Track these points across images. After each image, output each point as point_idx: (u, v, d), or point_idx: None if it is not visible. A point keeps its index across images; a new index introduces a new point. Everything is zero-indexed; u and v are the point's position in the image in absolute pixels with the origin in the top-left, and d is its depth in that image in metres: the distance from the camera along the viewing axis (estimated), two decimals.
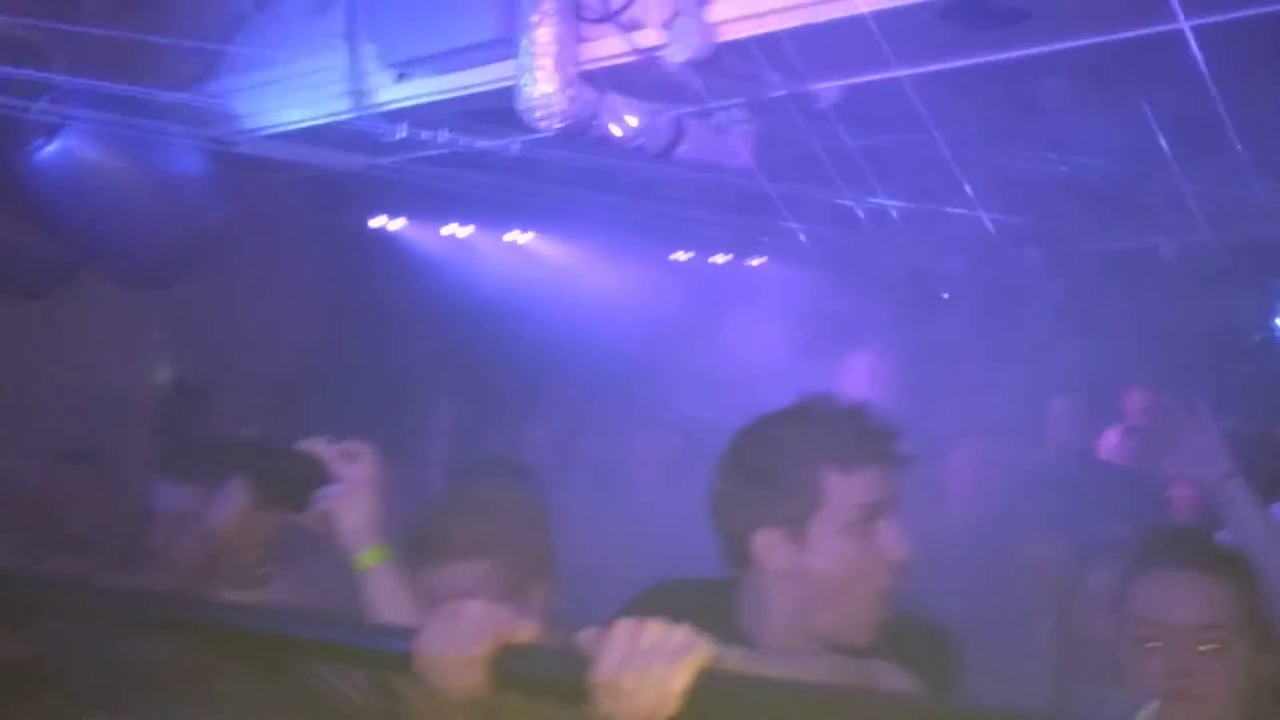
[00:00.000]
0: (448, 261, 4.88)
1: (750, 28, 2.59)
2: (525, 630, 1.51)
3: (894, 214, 4.00)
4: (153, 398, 4.13)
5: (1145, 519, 2.59)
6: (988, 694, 1.68)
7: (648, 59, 2.65)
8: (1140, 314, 4.33)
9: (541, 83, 2.60)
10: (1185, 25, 2.36)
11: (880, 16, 2.41)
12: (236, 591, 2.22)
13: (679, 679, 1.22)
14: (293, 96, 3.10)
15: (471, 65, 2.82)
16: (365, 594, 2.05)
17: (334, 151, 3.43)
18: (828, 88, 2.87)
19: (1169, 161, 3.33)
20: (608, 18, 2.68)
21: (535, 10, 2.59)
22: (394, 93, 2.98)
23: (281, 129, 3.20)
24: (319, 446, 2.07)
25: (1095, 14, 2.46)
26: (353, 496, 2.04)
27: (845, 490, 1.58)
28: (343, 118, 3.05)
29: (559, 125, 2.64)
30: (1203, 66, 2.55)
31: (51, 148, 2.93)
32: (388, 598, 2.01)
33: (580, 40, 2.69)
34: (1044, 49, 2.55)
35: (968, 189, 3.69)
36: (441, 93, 2.94)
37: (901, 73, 2.69)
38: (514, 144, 3.26)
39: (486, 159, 3.53)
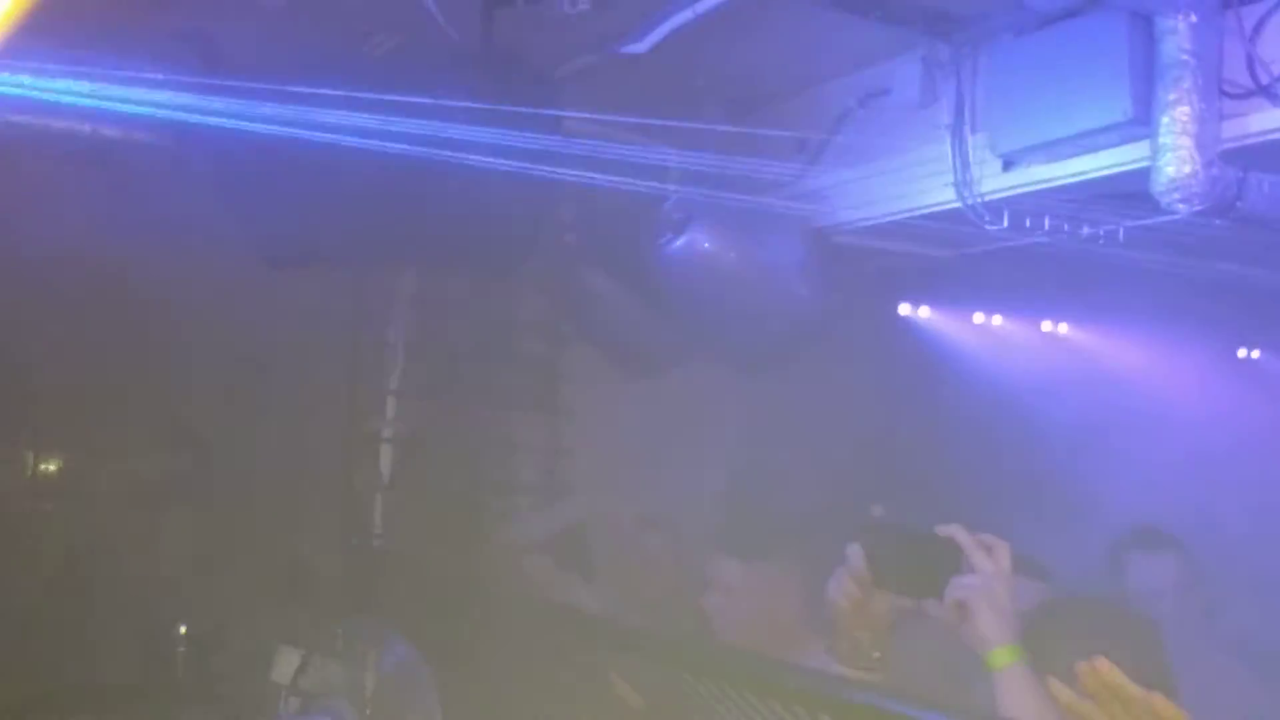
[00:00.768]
0: (980, 350, 4.75)
1: None
2: None
3: None
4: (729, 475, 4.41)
5: None
6: None
7: None
8: None
9: (1181, 163, 2.44)
10: None
11: None
12: (848, 669, 2.23)
13: None
14: (894, 189, 3.18)
15: (1092, 150, 2.72)
16: (996, 693, 1.97)
17: (921, 244, 3.48)
18: None
19: None
20: (1256, 92, 2.47)
21: (1174, 88, 2.45)
22: (1000, 182, 2.95)
23: (878, 222, 3.30)
24: (958, 534, 2.04)
25: None
26: (990, 590, 1.98)
27: None
28: (943, 209, 3.07)
29: (1198, 207, 2.46)
30: None
31: (678, 242, 3.26)
32: (1020, 700, 1.92)
33: (1221, 117, 2.50)
34: None
35: None
36: (1051, 180, 2.87)
37: None
38: (1120, 231, 3.10)
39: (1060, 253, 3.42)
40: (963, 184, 2.97)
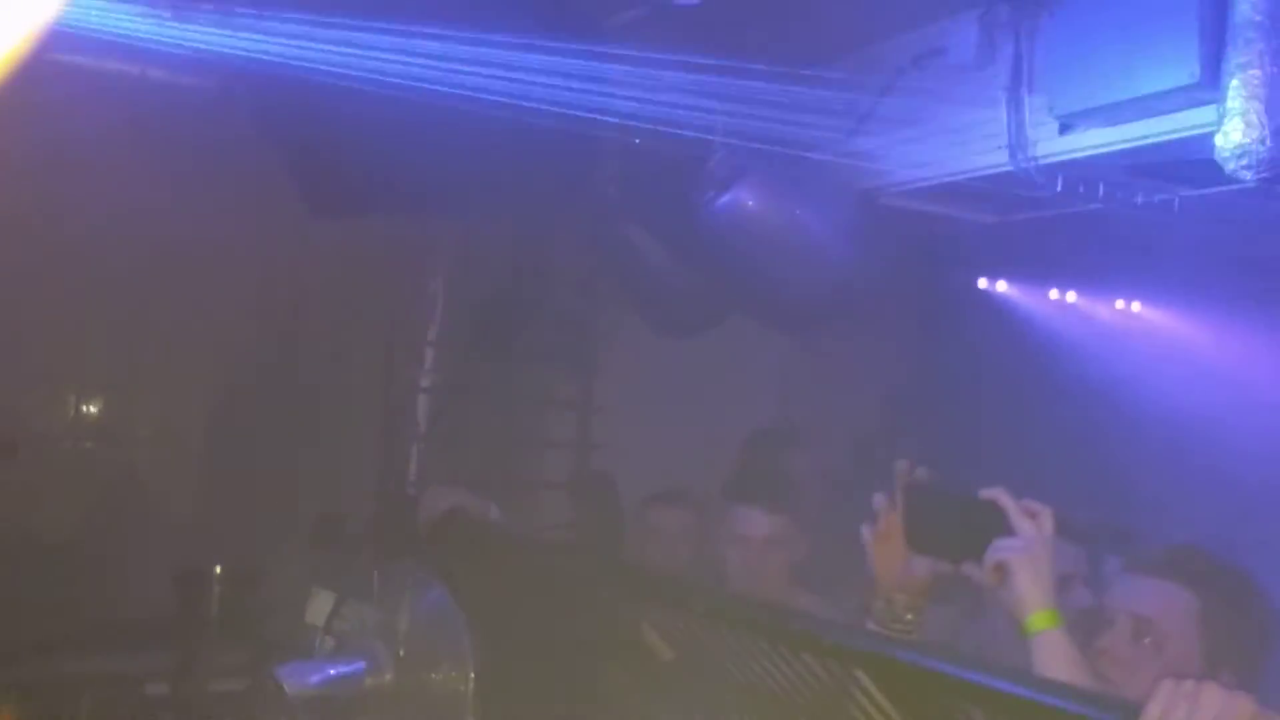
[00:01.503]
0: (1048, 325, 4.69)
1: None
2: None
3: None
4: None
5: None
6: None
7: None
8: None
9: (1249, 129, 2.37)
10: None
11: None
12: (881, 629, 2.22)
13: None
14: (947, 151, 3.13)
15: (1153, 114, 2.65)
16: (1034, 658, 1.95)
17: (969, 209, 3.42)
18: None
19: None
20: None
21: (1245, 51, 2.38)
22: (1056, 145, 2.89)
23: (928, 184, 3.24)
24: (1000, 496, 2.01)
25: None
26: (1031, 555, 1.96)
27: None
28: (995, 172, 3.02)
29: (1265, 175, 2.40)
30: None
31: (722, 199, 3.22)
32: (1057, 665, 1.90)
33: None
34: None
35: None
36: (1109, 145, 2.80)
37: None
38: (1176, 200, 3.03)
39: (1109, 223, 3.36)
40: (1017, 146, 2.91)
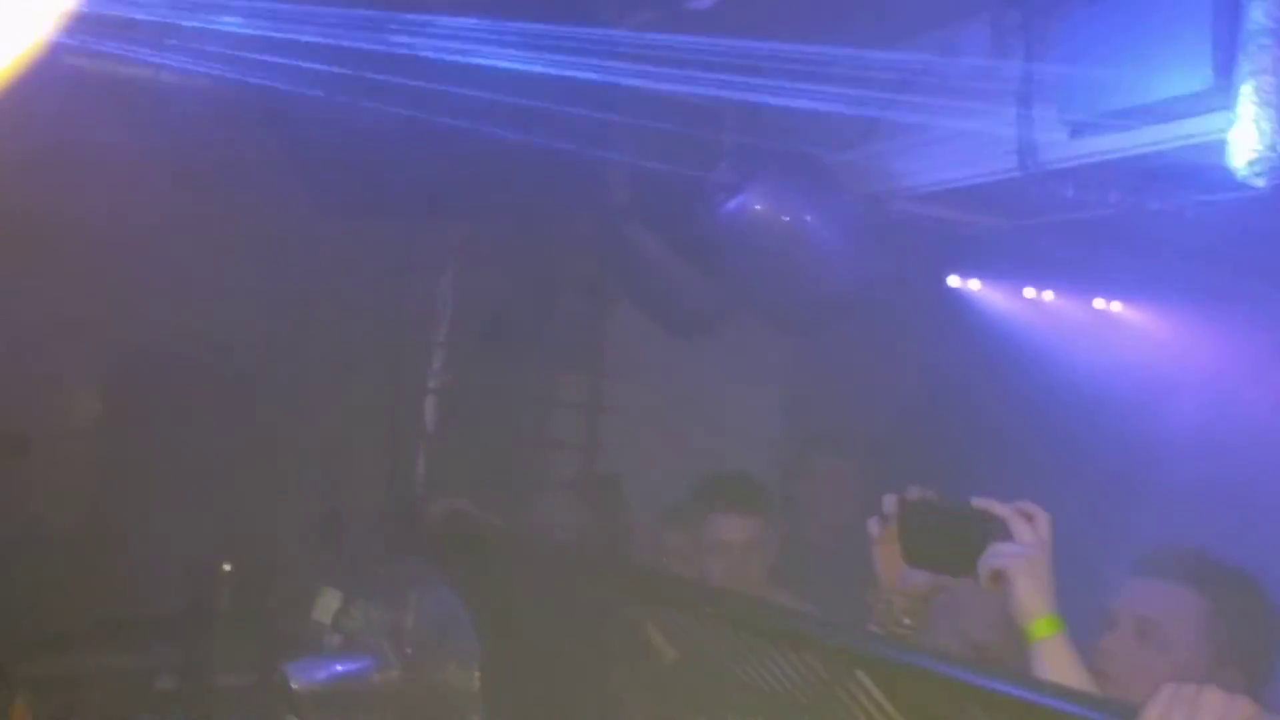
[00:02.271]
0: (1029, 326, 4.68)
1: None
2: None
3: None
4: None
5: None
6: None
7: None
8: None
9: (1262, 136, 2.37)
10: None
11: None
12: (880, 629, 2.22)
13: None
14: (956, 156, 3.13)
15: (1165, 120, 2.65)
16: (1035, 664, 1.95)
17: (978, 213, 3.43)
18: None
19: None
20: None
21: (1259, 57, 2.38)
22: (1066, 151, 2.89)
23: (937, 189, 3.25)
24: (993, 505, 2.00)
25: None
26: (1029, 560, 1.95)
27: None
28: (1005, 177, 3.02)
29: (1277, 181, 2.40)
30: None
31: (731, 204, 3.23)
32: (1059, 671, 1.90)
33: None
34: None
35: None
36: (1119, 150, 2.80)
37: None
38: (1187, 207, 3.03)
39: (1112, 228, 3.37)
40: (1026, 152, 2.91)
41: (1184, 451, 4.05)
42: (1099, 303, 4.74)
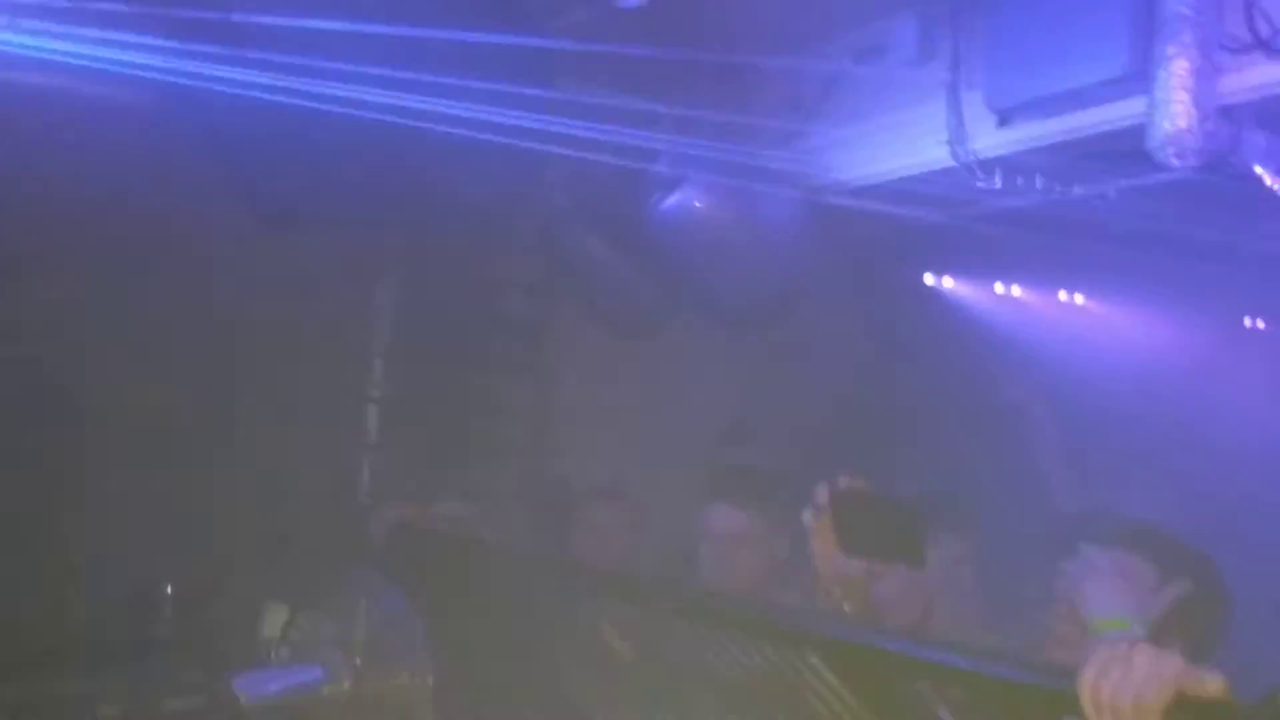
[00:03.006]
0: (995, 320, 4.76)
1: None
2: (1210, 683, 1.41)
3: None
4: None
5: None
6: None
7: None
8: None
9: (1177, 118, 2.45)
10: None
11: None
12: None
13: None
14: (887, 149, 3.18)
15: (1086, 105, 2.72)
16: None
17: (915, 206, 3.47)
18: None
19: None
20: (1255, 46, 2.47)
21: (1172, 42, 2.46)
22: (995, 139, 2.96)
23: (871, 182, 3.29)
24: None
25: None
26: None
27: None
28: (937, 168, 3.07)
29: (1193, 163, 2.47)
30: None
31: (670, 201, 3.25)
32: None
33: (1219, 72, 2.50)
34: None
35: None
36: (1046, 137, 2.87)
37: None
38: (1111, 190, 3.11)
39: (1048, 217, 3.44)
40: (957, 141, 2.97)
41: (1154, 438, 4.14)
42: (1011, 290, 4.83)
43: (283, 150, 3.22)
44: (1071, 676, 1.49)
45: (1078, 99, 2.70)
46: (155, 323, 3.93)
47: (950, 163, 3.01)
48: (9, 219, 3.49)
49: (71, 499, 3.89)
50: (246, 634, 3.10)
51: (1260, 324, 5.02)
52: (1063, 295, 4.94)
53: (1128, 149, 2.69)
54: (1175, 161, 2.48)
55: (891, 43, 3.10)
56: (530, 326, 4.32)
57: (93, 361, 3.88)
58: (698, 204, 3.28)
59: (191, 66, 2.95)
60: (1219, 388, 4.47)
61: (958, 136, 2.97)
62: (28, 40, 2.81)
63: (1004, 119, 2.90)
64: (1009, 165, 3.02)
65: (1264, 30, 2.45)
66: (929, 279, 4.62)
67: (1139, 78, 2.51)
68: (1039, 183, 3.05)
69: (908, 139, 3.13)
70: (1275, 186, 2.57)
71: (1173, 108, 2.45)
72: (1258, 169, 2.53)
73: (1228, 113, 2.52)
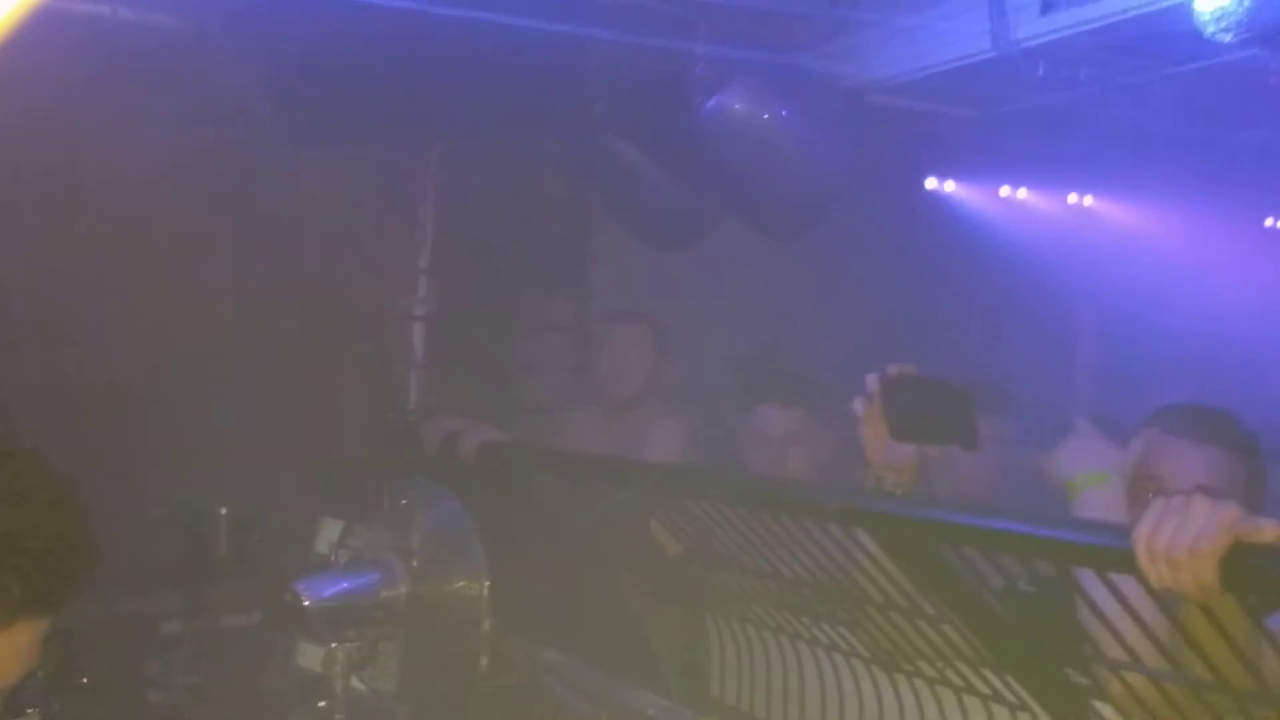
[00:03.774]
0: (1004, 224, 4.71)
1: None
2: (1268, 528, 1.41)
3: None
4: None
5: None
6: None
7: None
8: None
9: None
10: None
11: None
12: None
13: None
14: (930, 42, 3.14)
15: None
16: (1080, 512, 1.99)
17: (953, 102, 3.43)
18: None
19: None
20: None
21: None
22: (1038, 26, 2.90)
23: (913, 77, 3.25)
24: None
25: None
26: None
27: None
28: (981, 58, 3.02)
29: (1244, 36, 2.42)
30: None
31: (709, 104, 3.22)
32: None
33: None
34: None
35: None
36: (1091, 21, 2.82)
37: None
38: (1155, 80, 3.05)
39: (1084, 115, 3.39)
40: (999, 30, 2.92)
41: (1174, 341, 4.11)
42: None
43: (318, 66, 3.22)
44: (1125, 532, 1.50)
45: None
46: (201, 246, 3.98)
47: (992, 53, 2.96)
48: (43, 149, 3.53)
49: (129, 426, 3.97)
50: (301, 552, 3.18)
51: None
52: (1085, 199, 4.87)
53: (1176, 30, 2.64)
54: (1225, 36, 2.43)
55: None
56: (570, 244, 4.33)
57: (138, 286, 3.94)
58: (738, 107, 3.25)
59: None
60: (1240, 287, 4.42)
61: (999, 26, 2.92)
62: None
63: (1047, 4, 2.85)
64: (1051, 54, 2.97)
65: None
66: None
67: None
68: (1082, 73, 3.00)
69: (949, 31, 3.07)
70: None
71: None
72: None
73: None
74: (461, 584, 2.88)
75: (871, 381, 2.13)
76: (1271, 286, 4.42)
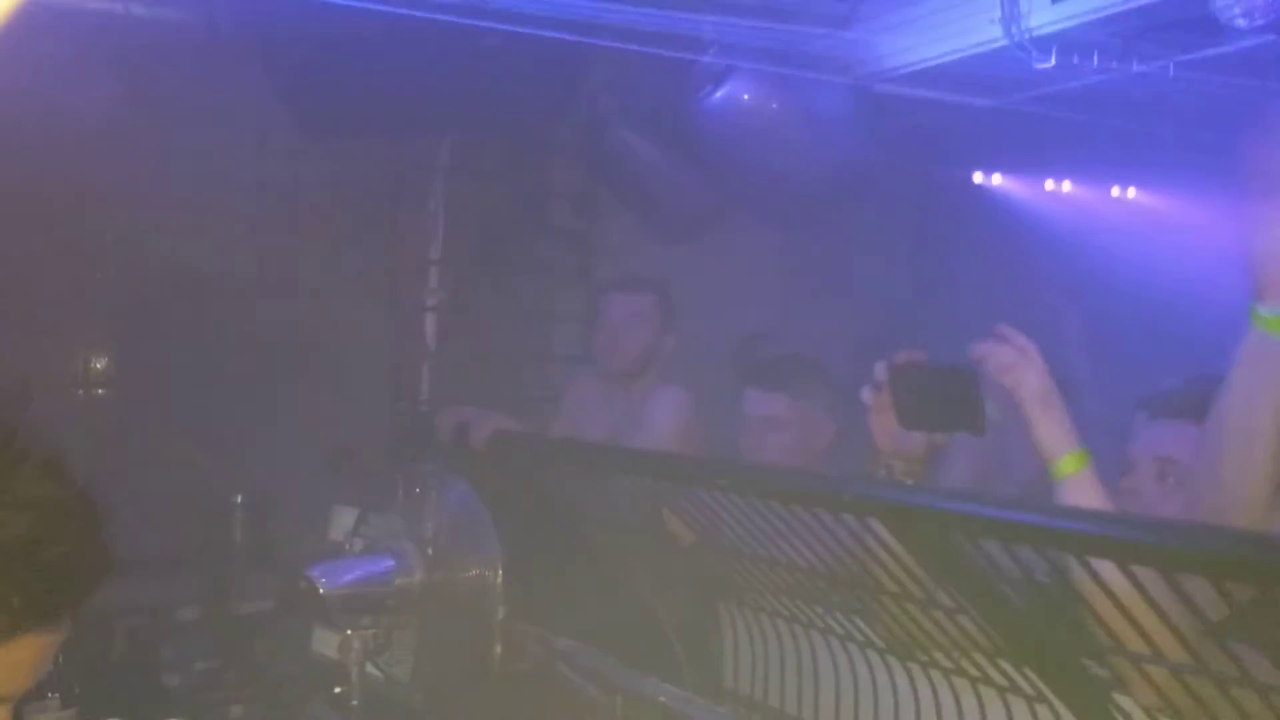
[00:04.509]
0: (1047, 217, 4.70)
1: None
2: None
3: None
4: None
5: None
6: None
7: None
8: None
9: None
10: None
11: None
12: None
13: None
14: (940, 30, 3.13)
15: None
16: (1062, 500, 1.99)
17: (965, 91, 3.41)
18: None
19: None
20: None
21: None
22: (1049, 14, 2.89)
23: (922, 66, 3.24)
24: (977, 349, 2.02)
25: None
26: (1043, 394, 1.98)
27: None
28: (992, 47, 3.01)
29: (1259, 21, 2.41)
30: None
31: (718, 94, 3.22)
32: (1087, 504, 1.94)
33: None
34: None
35: None
36: (1102, 9, 2.80)
37: None
38: (1170, 67, 3.03)
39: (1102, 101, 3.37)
40: (1010, 19, 2.90)
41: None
42: (1056, 184, 4.76)
43: (329, 60, 3.23)
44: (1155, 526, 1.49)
45: None
46: (214, 239, 4.00)
47: (1003, 42, 2.94)
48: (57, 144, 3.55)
49: (147, 414, 4.01)
50: (316, 540, 3.21)
51: None
52: (1115, 190, 4.86)
53: (1191, 16, 2.62)
54: (1241, 21, 2.42)
55: None
56: (580, 235, 4.34)
57: (153, 275, 3.97)
58: (745, 96, 3.25)
59: None
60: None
61: (1011, 14, 2.91)
62: None
63: None
64: (1064, 42, 2.95)
65: None
66: (977, 177, 4.55)
67: None
68: (1095, 60, 2.98)
69: (959, 19, 3.06)
70: None
71: None
72: None
73: None
74: (475, 572, 2.91)
75: (880, 370, 2.13)
76: None
